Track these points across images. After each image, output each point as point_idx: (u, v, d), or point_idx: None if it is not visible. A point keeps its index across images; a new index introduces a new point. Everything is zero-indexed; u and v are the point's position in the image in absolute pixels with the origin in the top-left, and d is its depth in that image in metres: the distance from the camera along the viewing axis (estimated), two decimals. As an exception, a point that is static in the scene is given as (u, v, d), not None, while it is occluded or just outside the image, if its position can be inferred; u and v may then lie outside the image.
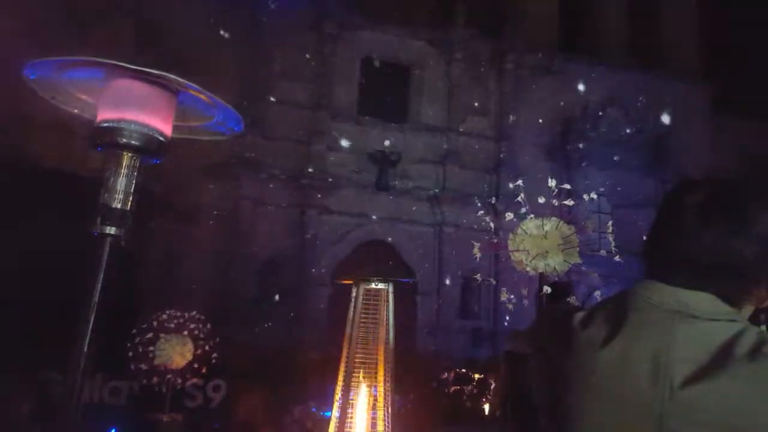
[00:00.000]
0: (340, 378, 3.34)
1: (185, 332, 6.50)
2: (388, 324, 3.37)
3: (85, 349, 1.05)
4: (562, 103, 15.93)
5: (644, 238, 1.00)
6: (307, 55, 14.25)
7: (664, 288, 0.91)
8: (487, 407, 8.86)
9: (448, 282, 14.36)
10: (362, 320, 3.35)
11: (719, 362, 0.80)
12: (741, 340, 0.81)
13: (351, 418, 3.26)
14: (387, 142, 14.67)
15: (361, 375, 3.34)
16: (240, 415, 7.05)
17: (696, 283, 0.89)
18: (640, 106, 16.22)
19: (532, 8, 16.13)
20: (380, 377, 3.32)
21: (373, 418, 3.27)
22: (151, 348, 6.24)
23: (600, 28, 17.28)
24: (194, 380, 6.90)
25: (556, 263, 2.92)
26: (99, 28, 11.05)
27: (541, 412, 1.00)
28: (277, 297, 12.90)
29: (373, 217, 14.08)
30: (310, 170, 13.84)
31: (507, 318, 12.44)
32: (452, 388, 9.89)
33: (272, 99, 13.68)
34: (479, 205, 12.72)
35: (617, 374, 0.86)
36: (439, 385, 10.08)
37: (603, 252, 3.25)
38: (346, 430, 3.21)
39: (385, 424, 3.24)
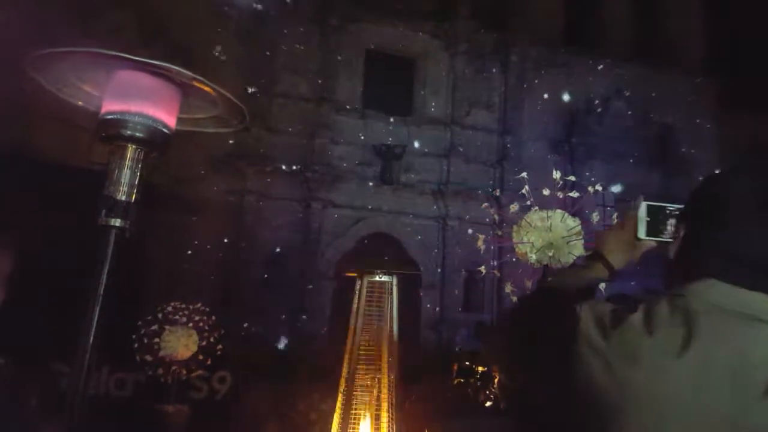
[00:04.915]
0: (345, 370, 3.36)
1: (190, 324, 6.53)
2: (392, 316, 3.38)
3: (91, 341, 1.05)
4: (566, 96, 15.86)
5: (694, 232, 0.94)
6: (311, 49, 14.22)
7: (726, 288, 0.86)
8: (489, 401, 8.87)
9: (451, 275, 14.38)
10: (366, 313, 3.36)
11: None
12: None
13: (355, 409, 3.27)
14: (391, 136, 14.66)
15: (365, 367, 3.35)
16: (245, 407, 7.10)
17: (759, 283, 0.84)
18: (645, 100, 16.13)
19: (537, 1, 16.02)
20: (384, 369, 3.33)
21: (377, 410, 3.28)
22: (156, 339, 6.27)
23: (605, 20, 17.16)
24: (199, 372, 6.93)
25: (560, 255, 2.91)
26: (101, 21, 11.04)
27: (577, 422, 0.90)
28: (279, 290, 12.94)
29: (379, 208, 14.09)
30: (314, 163, 13.84)
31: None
32: (455, 381, 9.90)
33: (277, 92, 13.69)
34: (483, 198, 12.73)
35: (696, 384, 0.80)
36: (442, 378, 10.10)
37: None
38: (350, 421, 3.22)
39: (388, 416, 3.25)
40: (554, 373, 0.94)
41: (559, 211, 2.89)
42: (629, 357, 0.84)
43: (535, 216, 2.90)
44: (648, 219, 1.19)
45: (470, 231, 12.77)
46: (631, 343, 0.84)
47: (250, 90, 12.47)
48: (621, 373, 0.84)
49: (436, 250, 14.68)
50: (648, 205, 1.20)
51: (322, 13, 14.46)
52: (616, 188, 12.22)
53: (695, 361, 0.81)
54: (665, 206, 1.19)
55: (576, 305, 0.92)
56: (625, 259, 1.23)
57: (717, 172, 0.93)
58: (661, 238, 1.18)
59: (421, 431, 4.93)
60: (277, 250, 13.35)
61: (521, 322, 1.12)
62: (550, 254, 2.92)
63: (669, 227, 1.17)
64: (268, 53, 13.68)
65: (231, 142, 12.66)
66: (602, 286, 2.94)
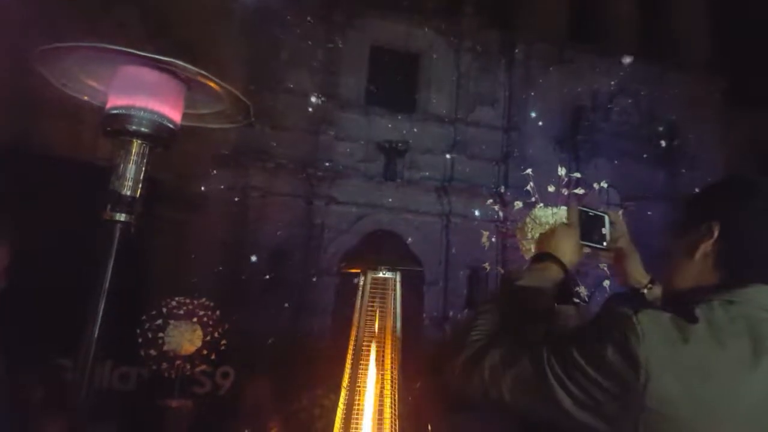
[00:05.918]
0: (348, 366, 3.36)
1: (194, 319, 6.55)
2: (395, 313, 3.37)
3: (96, 336, 1.06)
4: (571, 94, 15.80)
5: (734, 235, 0.91)
6: (315, 44, 14.20)
7: None
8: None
9: (455, 271, 14.36)
10: (369, 309, 3.35)
11: None
12: None
13: (358, 405, 3.27)
14: (394, 133, 14.64)
15: (368, 363, 3.35)
16: (248, 402, 7.11)
17: None
18: (651, 97, 16.05)
19: (542, -3, 15.96)
20: (387, 366, 3.33)
21: (380, 406, 3.28)
22: (160, 334, 6.29)
23: (611, 17, 17.07)
24: (203, 367, 6.95)
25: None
26: (105, 16, 11.06)
27: None
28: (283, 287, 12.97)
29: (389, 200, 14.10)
30: (317, 160, 13.83)
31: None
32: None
33: (281, 88, 13.68)
34: (487, 194, 12.69)
35: (767, 396, 0.80)
36: (444, 374, 10.10)
37: (612, 242, 3.20)
38: (353, 417, 3.23)
39: (392, 412, 3.25)
40: (596, 383, 0.89)
41: (564, 208, 2.88)
42: (703, 370, 0.81)
43: (540, 213, 2.88)
44: (578, 224, 1.23)
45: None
46: (704, 356, 0.82)
47: None
48: (694, 386, 0.81)
49: (439, 247, 14.66)
50: (578, 210, 1.23)
51: (326, 9, 14.43)
52: (618, 186, 12.18)
53: (766, 373, 0.80)
54: (587, 211, 1.21)
55: (629, 312, 0.87)
56: (576, 259, 1.25)
57: (750, 175, 0.91)
58: (589, 243, 1.22)
59: (425, 427, 4.93)
60: (281, 246, 13.36)
61: (507, 323, 1.13)
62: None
63: (597, 233, 1.21)
64: (272, 49, 13.66)
65: (234, 138, 12.67)
66: (606, 283, 2.91)
